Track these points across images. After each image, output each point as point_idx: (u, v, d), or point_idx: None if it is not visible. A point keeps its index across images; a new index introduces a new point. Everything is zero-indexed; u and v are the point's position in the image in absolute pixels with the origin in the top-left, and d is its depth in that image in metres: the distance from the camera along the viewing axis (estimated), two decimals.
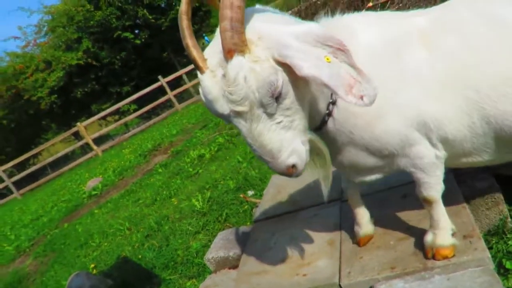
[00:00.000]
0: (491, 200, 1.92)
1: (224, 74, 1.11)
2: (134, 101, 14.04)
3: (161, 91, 13.64)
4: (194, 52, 1.15)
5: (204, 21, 18.45)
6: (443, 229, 1.56)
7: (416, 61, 1.34)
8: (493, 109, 1.31)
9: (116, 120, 15.64)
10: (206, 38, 12.21)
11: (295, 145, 1.22)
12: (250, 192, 3.63)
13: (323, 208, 2.36)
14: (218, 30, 1.15)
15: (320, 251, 1.99)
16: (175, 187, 5.37)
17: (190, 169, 5.79)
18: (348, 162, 1.49)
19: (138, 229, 4.58)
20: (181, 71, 13.46)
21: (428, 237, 1.61)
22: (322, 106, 1.37)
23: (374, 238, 1.90)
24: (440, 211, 1.56)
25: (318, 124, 1.40)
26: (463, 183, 2.00)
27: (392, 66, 1.34)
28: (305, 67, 1.07)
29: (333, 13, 1.46)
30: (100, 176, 8.99)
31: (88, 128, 14.01)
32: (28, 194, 13.40)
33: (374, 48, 1.35)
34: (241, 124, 1.17)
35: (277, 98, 1.13)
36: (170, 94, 13.28)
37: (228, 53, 1.07)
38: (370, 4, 5.17)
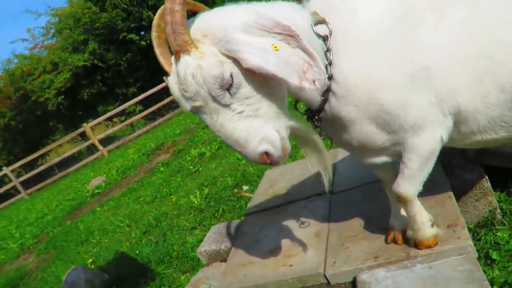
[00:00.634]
0: (480, 192, 1.90)
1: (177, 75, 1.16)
2: (139, 102, 14.16)
3: (166, 91, 13.72)
4: (161, 59, 1.23)
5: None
6: (421, 223, 1.54)
7: (425, 30, 1.27)
8: (508, 76, 1.25)
9: (122, 121, 15.74)
10: None
11: (265, 132, 1.20)
12: (245, 187, 3.64)
13: (312, 201, 2.36)
14: None
15: (307, 242, 1.99)
16: (175, 185, 5.40)
17: (191, 167, 5.82)
18: (356, 141, 1.41)
19: (137, 225, 4.61)
20: None
21: (409, 233, 1.61)
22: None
23: (360, 229, 1.89)
24: (416, 207, 1.52)
25: (319, 104, 1.36)
26: (452, 174, 1.98)
27: (401, 36, 1.27)
28: (249, 59, 1.08)
29: None
30: (104, 175, 9.07)
31: (94, 129, 14.15)
32: (35, 193, 13.57)
33: (379, 24, 1.28)
34: (205, 117, 1.21)
35: (229, 89, 1.14)
36: None
37: (176, 54, 1.12)
38: None
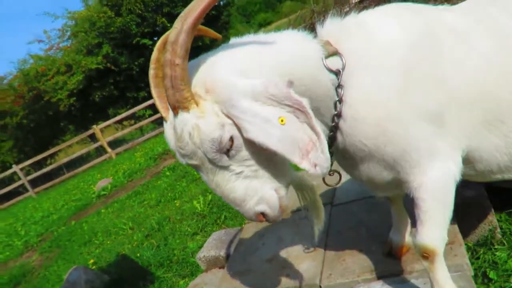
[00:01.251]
0: (481, 210, 1.89)
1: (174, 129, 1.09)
2: (149, 107, 14.31)
3: None
4: (158, 102, 1.15)
5: (222, 32, 18.75)
6: None
7: (444, 62, 1.21)
8: None
9: (131, 125, 15.90)
10: None
11: (263, 192, 1.14)
12: None
13: None
14: None
15: (305, 253, 2.00)
16: (179, 190, 5.43)
17: (196, 173, 5.85)
18: (365, 177, 1.34)
19: (140, 228, 4.65)
20: None
21: None
22: (325, 122, 1.26)
23: (358, 242, 1.89)
24: (443, 273, 1.31)
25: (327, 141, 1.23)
26: None
27: (419, 69, 1.20)
28: (251, 132, 1.02)
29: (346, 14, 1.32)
30: (111, 177, 9.15)
31: (104, 131, 14.32)
32: (43, 192, 13.72)
33: (396, 56, 1.20)
34: (201, 174, 1.15)
35: (228, 151, 1.07)
36: None
37: (174, 110, 1.05)
38: None
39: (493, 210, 1.89)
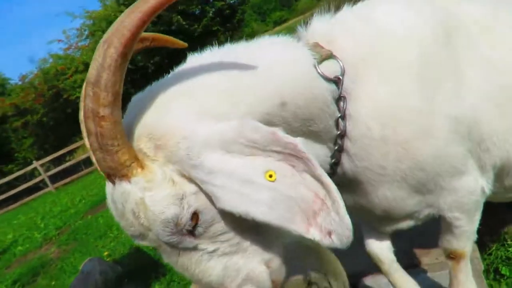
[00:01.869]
0: (494, 206, 1.85)
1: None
2: None
3: None
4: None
5: (237, 29, 18.80)
6: None
7: (474, 61, 1.01)
8: None
9: None
10: None
11: (248, 270, 0.83)
12: None
13: None
14: None
15: None
16: None
17: None
18: (379, 209, 1.07)
19: None
20: None
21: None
22: (326, 146, 0.98)
23: None
24: (468, 273, 1.22)
25: (327, 169, 0.99)
26: None
27: (444, 69, 0.98)
28: (224, 200, 0.71)
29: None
30: None
31: None
32: (62, 188, 14.07)
33: (417, 49, 0.97)
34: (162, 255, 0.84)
35: (192, 230, 0.76)
36: None
37: (108, 178, 0.75)
38: None
39: (505, 206, 1.85)
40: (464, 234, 1.14)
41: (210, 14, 17.06)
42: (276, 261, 0.87)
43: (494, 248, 1.79)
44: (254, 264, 0.84)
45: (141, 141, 0.75)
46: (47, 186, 14.47)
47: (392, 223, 1.16)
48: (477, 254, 1.50)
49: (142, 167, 0.73)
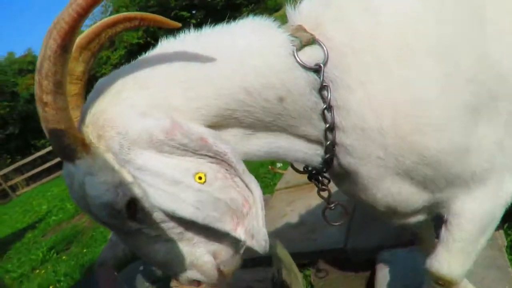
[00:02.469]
0: None
1: None
2: None
3: None
4: None
5: (260, 1, 18.39)
6: None
7: (493, 31, 0.83)
8: None
9: None
10: None
11: (192, 258, 0.82)
12: (279, 164, 3.69)
13: None
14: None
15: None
16: None
17: None
18: (382, 205, 0.94)
19: None
20: None
21: None
22: (310, 140, 0.88)
23: None
24: None
25: (321, 163, 0.90)
26: None
27: (459, 43, 0.81)
28: (153, 197, 0.73)
29: None
30: None
31: None
32: None
33: (422, 22, 0.81)
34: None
35: (133, 215, 0.76)
36: None
37: (59, 155, 0.76)
38: None
39: None
40: (461, 255, 0.94)
41: None
42: (225, 253, 0.85)
43: None
44: (199, 253, 0.82)
45: (88, 127, 0.76)
46: None
47: (397, 218, 1.02)
48: (501, 230, 1.47)
49: (87, 152, 0.74)
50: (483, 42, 0.83)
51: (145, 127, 0.72)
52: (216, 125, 0.78)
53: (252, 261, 1.57)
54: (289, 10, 0.89)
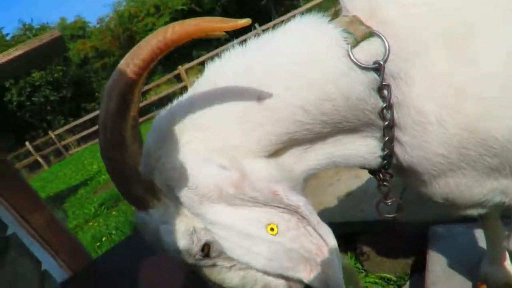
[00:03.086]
0: None
1: None
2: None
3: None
4: None
5: None
6: None
7: None
8: None
9: None
10: None
11: (266, 281, 0.82)
12: None
13: None
14: None
15: None
16: None
17: None
18: (440, 197, 0.90)
19: None
20: (276, 20, 13.31)
21: None
22: (368, 138, 0.83)
23: None
24: None
25: (379, 163, 0.86)
26: None
27: None
28: (228, 249, 0.73)
29: None
30: None
31: (189, 72, 15.02)
32: (141, 124, 15.24)
33: None
34: None
35: (207, 254, 0.77)
36: None
37: (130, 204, 0.77)
38: None
39: None
40: None
41: None
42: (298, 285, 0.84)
43: None
44: (271, 277, 0.82)
45: (155, 175, 0.74)
46: None
47: (458, 210, 0.97)
48: None
49: (158, 200, 0.73)
50: None
51: (214, 181, 0.70)
52: (277, 152, 0.75)
53: None
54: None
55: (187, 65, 14.62)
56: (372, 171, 0.91)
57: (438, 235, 1.53)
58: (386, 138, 0.79)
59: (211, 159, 0.71)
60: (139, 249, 1.95)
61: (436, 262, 1.45)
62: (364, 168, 0.89)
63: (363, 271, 1.89)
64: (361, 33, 0.70)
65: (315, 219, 0.72)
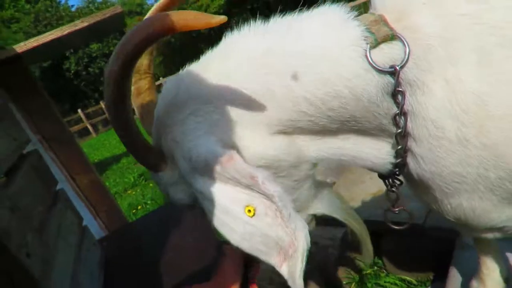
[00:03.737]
0: None
1: None
2: None
3: None
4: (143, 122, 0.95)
5: None
6: None
7: None
8: None
9: None
10: None
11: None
12: None
13: None
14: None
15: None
16: None
17: None
18: (453, 216, 0.84)
19: None
20: None
21: None
22: (380, 142, 0.79)
23: None
24: None
25: (390, 171, 0.83)
26: None
27: None
28: (209, 218, 0.75)
29: None
30: None
31: None
32: None
33: None
34: None
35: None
36: None
37: (147, 169, 0.85)
38: None
39: None
40: None
41: None
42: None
43: None
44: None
45: (162, 143, 0.79)
46: None
47: (471, 232, 0.91)
48: None
49: (166, 164, 0.79)
50: None
51: (205, 157, 0.71)
52: (281, 132, 0.75)
53: (324, 220, 1.62)
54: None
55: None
56: (381, 175, 0.90)
57: (465, 243, 1.50)
58: (399, 147, 0.76)
59: (211, 133, 0.73)
60: (169, 218, 2.08)
61: (459, 272, 1.43)
62: (373, 171, 0.87)
63: (384, 270, 1.89)
64: (383, 34, 0.68)
65: (288, 211, 0.70)
